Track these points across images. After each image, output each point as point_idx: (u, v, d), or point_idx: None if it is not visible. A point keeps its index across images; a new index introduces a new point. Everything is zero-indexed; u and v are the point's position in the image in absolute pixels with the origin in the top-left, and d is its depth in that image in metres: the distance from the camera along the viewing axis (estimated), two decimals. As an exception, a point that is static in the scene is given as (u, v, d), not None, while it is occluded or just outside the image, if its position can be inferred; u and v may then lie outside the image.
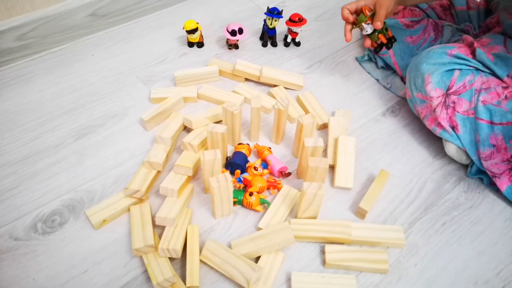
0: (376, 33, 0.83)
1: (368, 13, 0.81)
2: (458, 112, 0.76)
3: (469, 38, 0.81)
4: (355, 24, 0.84)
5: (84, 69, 1.00)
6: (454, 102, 0.76)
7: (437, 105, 0.76)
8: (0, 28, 0.94)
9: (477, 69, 0.76)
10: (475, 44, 0.78)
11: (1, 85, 0.95)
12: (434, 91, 0.76)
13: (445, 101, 0.76)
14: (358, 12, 0.83)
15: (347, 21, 0.83)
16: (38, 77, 0.97)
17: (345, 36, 0.84)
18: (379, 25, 0.80)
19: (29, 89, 0.94)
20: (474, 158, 0.77)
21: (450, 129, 0.77)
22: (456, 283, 0.66)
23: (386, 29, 0.83)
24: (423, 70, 0.77)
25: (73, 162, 0.80)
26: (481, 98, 0.74)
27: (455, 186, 0.79)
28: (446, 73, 0.76)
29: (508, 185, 0.74)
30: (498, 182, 0.75)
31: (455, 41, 0.89)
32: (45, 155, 0.81)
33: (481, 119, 0.74)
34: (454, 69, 0.76)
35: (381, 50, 0.86)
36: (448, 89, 0.76)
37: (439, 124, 0.78)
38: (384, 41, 0.83)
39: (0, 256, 0.67)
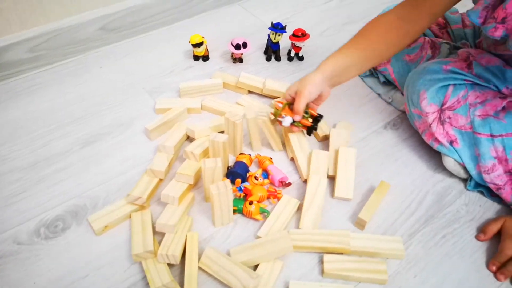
0: (298, 121, 0.78)
1: (280, 105, 0.79)
2: (456, 127, 0.76)
3: (464, 53, 0.81)
4: (274, 116, 0.80)
5: (92, 80, 1.03)
6: (450, 118, 0.76)
7: (433, 121, 0.77)
8: (14, 40, 0.98)
9: (473, 83, 0.77)
10: (471, 58, 0.79)
11: (12, 95, 0.98)
12: (429, 106, 0.77)
13: (440, 117, 0.77)
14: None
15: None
16: (48, 87, 1.00)
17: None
18: (297, 118, 0.77)
19: (38, 99, 0.97)
20: (473, 173, 0.77)
21: (447, 144, 0.77)
22: (456, 296, 0.66)
23: (307, 112, 0.79)
24: (419, 87, 0.78)
25: (79, 169, 0.82)
26: (477, 113, 0.74)
27: (456, 199, 0.79)
28: (441, 89, 0.76)
29: None
30: (504, 193, 0.74)
31: None
32: (52, 162, 0.83)
33: (480, 133, 0.74)
34: (449, 84, 0.76)
35: (311, 134, 0.82)
36: (442, 105, 0.76)
37: (436, 139, 0.78)
38: (309, 124, 0.79)
39: (3, 259, 0.68)
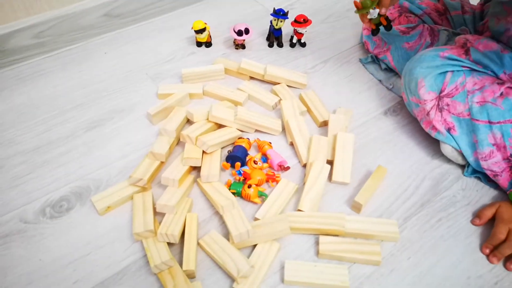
0: (379, 17, 0.84)
1: None
2: (454, 114, 0.76)
3: (462, 39, 0.81)
4: (360, 9, 0.83)
5: (96, 66, 1.04)
6: (448, 105, 0.76)
7: (431, 108, 0.77)
8: (19, 26, 1.00)
9: (471, 69, 0.76)
10: (468, 44, 0.79)
11: (17, 80, 1.00)
12: (428, 94, 0.77)
13: (438, 104, 0.77)
14: None
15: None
16: (52, 73, 1.02)
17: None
18: (384, 11, 0.81)
19: (43, 85, 0.99)
20: (470, 159, 0.77)
21: (445, 131, 0.78)
22: (449, 277, 0.67)
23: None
24: (416, 75, 0.78)
25: (82, 153, 0.84)
26: (475, 99, 0.74)
27: (452, 184, 0.80)
28: (439, 76, 0.76)
29: (509, 180, 0.75)
30: (501, 179, 0.75)
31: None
32: (55, 146, 0.85)
33: (478, 120, 0.74)
34: (447, 71, 0.76)
35: (378, 33, 0.87)
36: (441, 92, 0.76)
37: (434, 127, 0.79)
38: (385, 23, 0.84)
39: (10, 237, 0.70)
